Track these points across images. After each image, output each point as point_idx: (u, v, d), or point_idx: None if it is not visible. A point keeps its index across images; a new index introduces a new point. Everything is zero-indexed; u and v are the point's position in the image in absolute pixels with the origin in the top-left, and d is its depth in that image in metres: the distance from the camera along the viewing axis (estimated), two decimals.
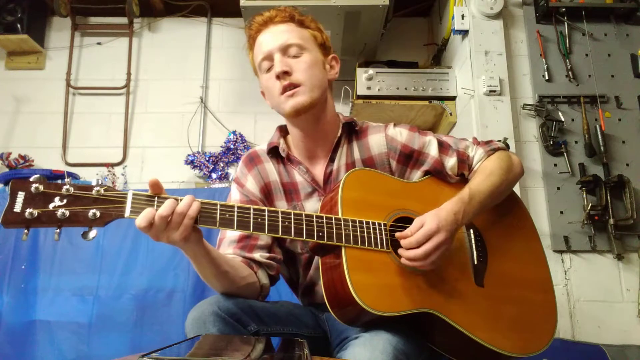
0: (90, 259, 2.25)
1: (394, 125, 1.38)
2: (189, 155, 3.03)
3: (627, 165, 2.33)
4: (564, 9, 2.49)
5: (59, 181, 0.96)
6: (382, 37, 3.07)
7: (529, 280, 1.29)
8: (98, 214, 0.93)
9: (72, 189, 0.93)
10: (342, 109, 2.83)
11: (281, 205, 1.35)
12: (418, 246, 1.08)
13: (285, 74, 1.25)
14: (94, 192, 0.94)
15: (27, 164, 2.98)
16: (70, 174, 2.67)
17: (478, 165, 1.35)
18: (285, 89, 1.26)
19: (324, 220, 1.11)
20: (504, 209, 1.35)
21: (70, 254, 2.26)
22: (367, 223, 1.14)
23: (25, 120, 3.21)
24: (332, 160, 1.35)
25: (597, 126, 2.35)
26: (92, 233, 0.93)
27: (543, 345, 1.21)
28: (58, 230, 0.91)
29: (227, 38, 3.40)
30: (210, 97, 3.28)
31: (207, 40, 3.38)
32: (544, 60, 2.46)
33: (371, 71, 2.69)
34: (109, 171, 2.91)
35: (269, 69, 1.30)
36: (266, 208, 1.09)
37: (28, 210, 0.89)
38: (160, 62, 3.35)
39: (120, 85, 3.26)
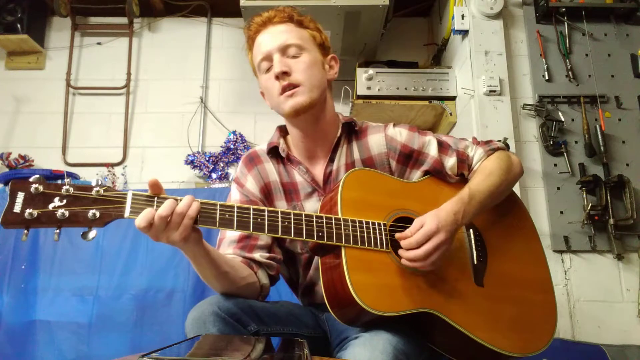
0: (90, 259, 2.25)
1: (394, 125, 1.38)
2: (189, 155, 3.03)
3: (627, 165, 2.33)
4: (564, 9, 2.49)
5: (59, 181, 0.96)
6: (382, 37, 3.07)
7: (528, 280, 1.29)
8: (98, 214, 0.93)
9: (71, 190, 0.93)
10: (342, 109, 2.83)
11: (281, 205, 1.35)
12: (418, 247, 1.08)
13: (285, 74, 1.25)
14: (93, 192, 0.94)
15: (27, 164, 2.98)
16: (70, 174, 2.67)
17: (478, 165, 1.35)
18: (284, 89, 1.26)
19: (324, 220, 1.11)
20: (503, 209, 1.35)
21: (70, 254, 2.26)
22: (367, 223, 1.14)
23: (25, 120, 3.21)
24: (331, 160, 1.35)
25: (597, 126, 2.35)
26: (92, 233, 0.93)
27: (543, 345, 1.21)
28: (58, 231, 0.91)
29: (227, 38, 3.40)
30: (210, 97, 3.28)
31: (207, 40, 3.38)
32: (544, 60, 2.46)
33: (371, 71, 2.69)
34: (109, 171, 2.91)
35: (268, 70, 1.30)
36: (266, 208, 1.09)
37: (28, 211, 0.89)
38: (160, 62, 3.35)
39: (120, 85, 3.26)
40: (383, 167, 1.34)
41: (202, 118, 3.21)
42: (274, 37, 1.30)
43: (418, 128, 1.39)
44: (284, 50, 1.28)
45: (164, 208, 0.97)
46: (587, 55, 2.48)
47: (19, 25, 3.11)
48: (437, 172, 1.33)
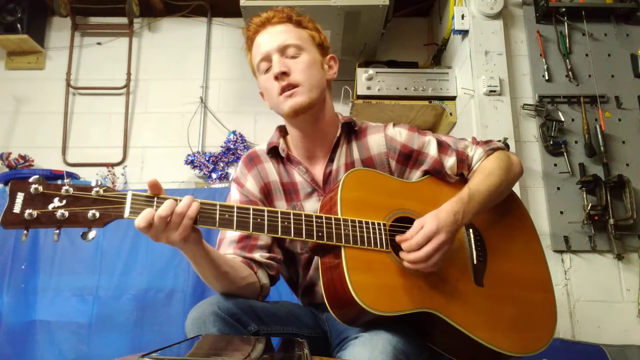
0: (90, 259, 2.25)
1: (393, 125, 1.38)
2: (189, 155, 3.03)
3: (627, 165, 2.33)
4: (564, 9, 2.49)
5: (59, 182, 0.96)
6: (382, 37, 3.07)
7: (528, 280, 1.29)
8: (97, 214, 0.93)
9: (71, 190, 0.93)
10: (342, 109, 2.83)
11: (281, 205, 1.35)
12: (419, 248, 1.08)
13: (284, 74, 1.25)
14: (93, 192, 0.94)
15: (27, 164, 2.98)
16: (70, 174, 2.68)
17: (477, 164, 1.35)
18: (283, 90, 1.26)
19: (324, 220, 1.11)
20: (503, 209, 1.35)
21: (70, 254, 2.26)
22: (367, 223, 1.14)
23: (25, 120, 3.21)
24: (331, 160, 1.35)
25: (597, 126, 2.35)
26: (92, 234, 0.93)
27: (543, 345, 1.21)
28: (57, 231, 0.91)
29: (227, 38, 3.40)
30: (210, 97, 3.28)
31: (207, 40, 3.38)
32: (544, 60, 2.46)
33: (371, 71, 2.69)
34: (109, 171, 2.91)
35: (267, 70, 1.30)
36: (265, 208, 1.09)
37: (27, 211, 0.89)
38: (160, 62, 3.35)
39: (120, 85, 3.26)
40: (383, 167, 1.34)
41: (202, 118, 3.21)
42: (272, 37, 1.30)
43: (418, 128, 1.39)
44: (282, 50, 1.28)
45: (164, 208, 0.97)
46: (587, 55, 2.48)
47: (19, 25, 3.11)
48: (436, 172, 1.33)
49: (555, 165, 2.34)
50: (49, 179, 2.46)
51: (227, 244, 1.28)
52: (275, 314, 1.23)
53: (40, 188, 0.91)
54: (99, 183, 0.96)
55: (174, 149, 3.14)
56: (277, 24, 1.31)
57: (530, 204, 2.28)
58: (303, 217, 1.10)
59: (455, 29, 2.57)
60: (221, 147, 3.09)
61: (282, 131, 1.43)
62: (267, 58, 1.29)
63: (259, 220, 1.06)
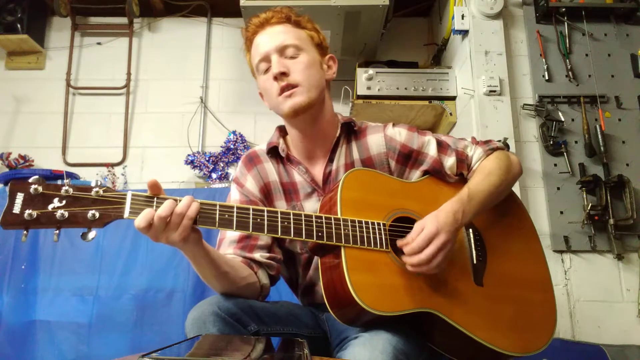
0: (90, 259, 2.25)
1: (393, 125, 1.38)
2: (189, 155, 3.04)
3: (627, 165, 2.33)
4: (564, 9, 2.49)
5: (59, 182, 0.96)
6: (382, 37, 3.07)
7: (528, 280, 1.29)
8: (97, 214, 0.93)
9: (71, 190, 0.93)
10: (342, 109, 2.83)
11: (280, 205, 1.35)
12: (420, 251, 1.08)
13: (283, 74, 1.25)
14: (92, 193, 0.94)
15: (27, 164, 2.98)
16: (70, 174, 2.68)
17: (477, 164, 1.35)
18: (283, 90, 1.26)
19: (323, 220, 1.11)
20: (503, 209, 1.35)
21: (70, 254, 2.26)
22: (367, 223, 1.14)
23: (25, 120, 3.21)
24: (331, 160, 1.35)
25: (597, 126, 2.35)
26: (92, 234, 0.93)
27: (542, 345, 1.21)
28: (57, 231, 0.91)
29: (227, 38, 3.40)
30: (210, 97, 3.28)
31: (207, 40, 3.38)
32: (544, 60, 2.46)
33: (371, 71, 2.69)
34: (109, 171, 2.91)
35: (266, 70, 1.30)
36: (265, 208, 1.09)
37: (27, 212, 0.88)
38: (160, 62, 3.35)
39: (120, 85, 3.26)
40: (382, 167, 1.34)
41: (202, 118, 3.21)
42: (271, 38, 1.30)
43: (417, 128, 1.39)
44: (281, 50, 1.28)
45: (164, 208, 0.97)
46: (587, 55, 2.48)
47: (19, 25, 3.11)
48: (436, 172, 1.33)
49: (555, 165, 2.34)
50: (49, 179, 2.47)
51: (227, 244, 1.28)
52: (275, 314, 1.23)
53: (40, 188, 0.91)
54: (99, 183, 0.96)
55: (174, 149, 3.14)
56: (275, 24, 1.31)
57: (530, 204, 2.28)
58: (303, 217, 1.10)
59: (455, 29, 2.57)
60: (221, 147, 3.09)
61: (282, 131, 1.43)
62: (266, 58, 1.29)
63: (258, 220, 1.06)
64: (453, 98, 2.71)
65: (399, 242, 1.12)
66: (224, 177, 2.98)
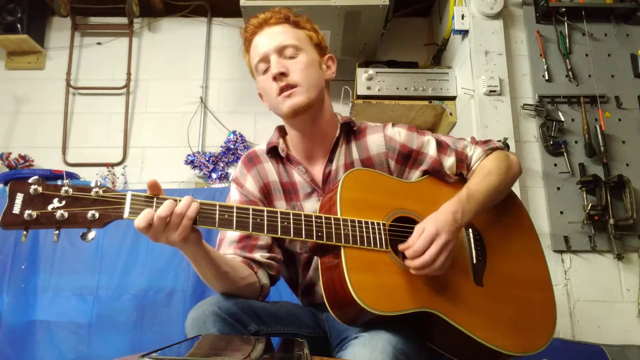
0: (90, 259, 2.25)
1: (393, 125, 1.38)
2: (189, 155, 3.04)
3: (627, 165, 2.33)
4: (564, 9, 2.49)
5: (59, 182, 0.96)
6: (382, 37, 3.07)
7: (528, 279, 1.29)
8: (97, 215, 0.93)
9: (70, 190, 0.93)
10: (342, 109, 2.83)
11: (280, 205, 1.35)
12: (422, 253, 1.08)
13: (282, 75, 1.25)
14: (92, 193, 0.94)
15: (27, 164, 2.98)
16: (70, 174, 2.68)
17: (477, 164, 1.35)
18: (282, 90, 1.26)
19: (323, 220, 1.11)
20: (502, 208, 1.35)
21: (70, 254, 2.26)
22: (366, 223, 1.14)
23: (25, 120, 3.21)
24: (330, 160, 1.35)
25: (597, 126, 2.35)
26: (91, 234, 0.93)
27: (542, 344, 1.21)
28: (57, 232, 0.91)
29: (227, 38, 3.40)
30: (210, 97, 3.28)
31: (207, 40, 3.38)
32: (544, 60, 2.46)
33: (371, 71, 2.69)
34: (109, 171, 2.91)
35: (265, 71, 1.30)
36: (265, 208, 1.09)
37: (27, 212, 0.88)
38: (160, 62, 3.35)
39: (120, 85, 3.26)
40: (382, 167, 1.34)
41: (202, 118, 3.21)
42: (270, 38, 1.30)
43: (417, 128, 1.39)
44: (280, 51, 1.28)
45: (163, 209, 0.97)
46: (587, 55, 2.48)
47: (19, 25, 3.11)
48: (436, 172, 1.33)
49: (555, 165, 2.34)
50: (49, 179, 2.47)
51: (227, 244, 1.28)
52: (275, 314, 1.23)
53: (40, 189, 0.91)
54: (99, 183, 0.96)
55: (174, 149, 3.14)
56: (274, 24, 1.31)
57: (530, 204, 2.28)
58: (302, 217, 1.10)
59: (455, 29, 2.57)
60: (221, 147, 3.09)
61: (282, 131, 1.43)
62: (265, 59, 1.29)
63: (258, 220, 1.06)
64: (453, 98, 2.71)
65: (401, 247, 1.12)
66: (224, 177, 2.98)
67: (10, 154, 2.97)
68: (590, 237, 2.23)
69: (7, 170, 2.91)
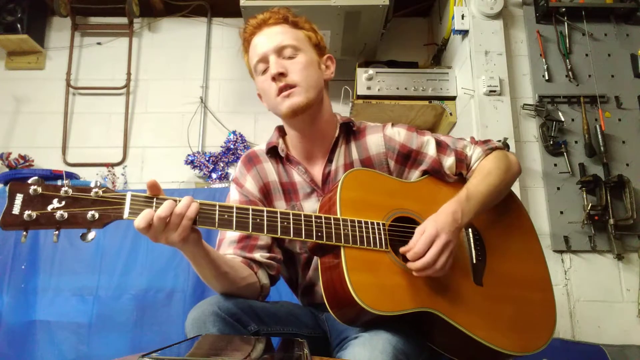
0: (90, 259, 2.25)
1: (392, 125, 1.38)
2: (189, 155, 3.04)
3: (627, 165, 2.33)
4: (564, 9, 2.49)
5: (58, 182, 0.96)
6: (382, 37, 3.07)
7: (527, 279, 1.30)
8: (97, 215, 0.93)
9: (70, 191, 0.93)
10: (342, 109, 2.83)
11: (280, 205, 1.35)
12: (423, 254, 1.08)
13: (281, 75, 1.25)
14: (92, 193, 0.94)
15: (27, 164, 2.98)
16: (69, 175, 2.67)
17: (476, 164, 1.35)
18: (281, 90, 1.26)
19: (323, 221, 1.11)
20: (502, 208, 1.35)
21: (70, 254, 2.26)
22: (366, 223, 1.14)
23: (25, 120, 3.21)
24: (330, 160, 1.35)
25: (597, 126, 2.35)
26: (91, 235, 0.93)
27: (542, 344, 1.21)
28: (57, 232, 0.91)
29: (227, 38, 3.40)
30: (210, 97, 3.28)
31: (207, 40, 3.38)
32: (544, 60, 2.46)
33: (371, 71, 2.69)
34: (109, 171, 2.91)
35: (264, 71, 1.30)
36: (265, 208, 1.08)
37: (26, 213, 0.88)
38: (160, 62, 3.35)
39: (120, 85, 3.27)
40: (381, 167, 1.34)
41: (202, 118, 3.21)
42: (269, 38, 1.30)
43: (416, 128, 1.39)
44: (279, 51, 1.28)
45: (163, 209, 0.97)
46: (587, 55, 2.48)
47: (19, 25, 3.11)
48: (435, 172, 1.33)
49: (555, 165, 2.34)
50: (49, 179, 2.47)
51: (227, 244, 1.28)
52: (275, 314, 1.23)
53: (39, 189, 0.91)
54: (98, 184, 0.96)
55: (174, 149, 3.14)
56: (273, 25, 1.31)
57: (530, 204, 2.28)
58: (302, 217, 1.10)
59: (455, 29, 2.57)
60: (221, 147, 3.09)
61: (281, 131, 1.43)
62: (264, 59, 1.29)
63: (258, 220, 1.06)
64: (453, 98, 2.71)
65: (402, 250, 1.12)
66: (224, 177, 2.98)
67: (10, 154, 2.97)
68: (590, 237, 2.23)
69: (7, 170, 2.91)
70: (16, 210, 0.89)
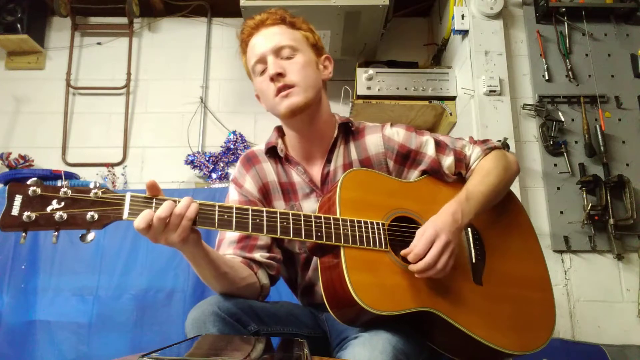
0: (90, 259, 2.25)
1: (391, 125, 1.38)
2: (189, 155, 3.04)
3: (627, 165, 2.33)
4: (564, 9, 2.49)
5: (58, 182, 0.96)
6: (382, 37, 3.07)
7: (527, 278, 1.30)
8: (96, 216, 0.93)
9: (69, 192, 0.92)
10: (342, 109, 2.83)
11: (279, 205, 1.35)
12: (424, 255, 1.08)
13: (279, 75, 1.26)
14: (91, 194, 0.94)
15: (27, 164, 2.98)
16: (69, 175, 2.67)
17: (475, 164, 1.35)
18: (279, 91, 1.26)
19: (322, 221, 1.11)
20: (501, 208, 1.35)
21: (70, 254, 2.26)
22: (366, 223, 1.14)
23: (25, 120, 3.21)
24: (328, 161, 1.35)
25: (597, 126, 2.35)
26: (90, 236, 0.93)
27: (542, 343, 1.21)
28: (56, 233, 0.91)
29: (227, 38, 3.40)
30: (210, 97, 3.28)
31: (207, 40, 3.38)
32: (544, 60, 2.46)
33: (371, 71, 2.69)
34: (109, 171, 2.91)
35: (262, 72, 1.30)
36: (264, 209, 1.08)
37: (26, 214, 0.88)
38: (160, 62, 3.35)
39: (120, 85, 3.26)
40: (380, 167, 1.34)
41: (202, 118, 3.21)
42: (267, 39, 1.30)
43: (415, 128, 1.39)
44: (277, 52, 1.28)
45: (163, 209, 0.97)
46: (587, 55, 2.48)
47: (19, 25, 3.11)
48: (434, 172, 1.33)
49: (555, 165, 2.34)
50: (49, 179, 2.47)
51: (226, 244, 1.28)
52: (275, 314, 1.23)
53: (39, 190, 0.91)
54: (97, 184, 0.95)
55: (174, 149, 3.14)
56: (270, 25, 1.32)
57: (530, 204, 2.28)
58: (302, 218, 1.10)
59: (455, 29, 2.57)
60: (221, 147, 3.09)
61: (280, 131, 1.42)
62: (262, 60, 1.29)
63: (257, 220, 1.06)
64: (453, 98, 2.71)
65: (403, 252, 1.12)
66: (224, 177, 2.99)
67: (10, 154, 2.97)
68: (590, 237, 2.23)
69: (7, 170, 2.91)
70: (15, 211, 0.89)
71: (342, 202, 1.15)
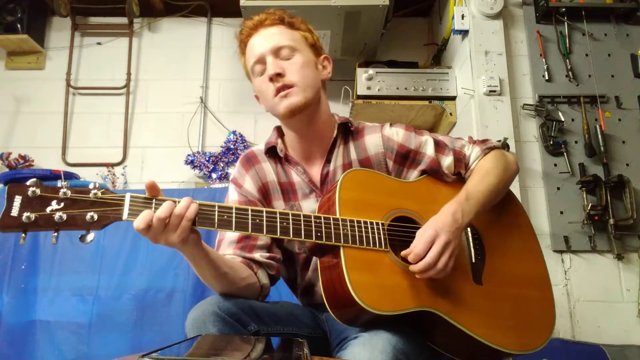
0: (90, 259, 2.25)
1: (390, 125, 1.39)
2: (189, 155, 3.04)
3: (627, 165, 2.33)
4: (564, 9, 2.49)
5: (58, 182, 0.96)
6: (382, 37, 3.07)
7: (526, 278, 1.30)
8: (96, 217, 0.93)
9: (69, 192, 0.92)
10: (342, 109, 2.83)
11: (279, 205, 1.35)
12: (424, 256, 1.08)
13: (278, 75, 1.26)
14: (91, 195, 0.94)
15: (27, 164, 2.98)
16: (68, 175, 2.67)
17: (475, 163, 1.35)
18: (279, 91, 1.26)
19: (322, 221, 1.11)
20: (500, 208, 1.35)
21: (71, 254, 2.26)
22: (365, 223, 1.14)
23: (25, 120, 3.21)
24: (328, 161, 1.35)
25: (597, 126, 2.35)
26: (90, 236, 0.93)
27: (541, 343, 1.21)
28: (56, 234, 0.91)
29: (227, 38, 3.40)
30: (210, 97, 3.28)
31: (207, 40, 3.38)
32: (544, 60, 2.46)
33: (371, 71, 2.69)
34: (109, 171, 2.92)
35: (261, 72, 1.30)
36: (264, 209, 1.09)
37: (25, 214, 0.88)
38: (160, 62, 3.35)
39: (120, 85, 3.26)
40: (380, 167, 1.34)
41: (202, 118, 3.21)
42: (266, 39, 1.30)
43: (415, 128, 1.39)
44: (276, 52, 1.28)
45: (162, 210, 0.96)
46: (587, 55, 2.48)
47: (19, 25, 3.11)
48: (434, 172, 1.34)
49: (555, 165, 2.34)
50: (49, 179, 2.47)
51: (226, 244, 1.28)
52: (275, 314, 1.23)
53: (38, 191, 0.90)
54: (97, 185, 0.95)
55: (174, 149, 3.14)
56: (269, 26, 1.32)
57: (530, 204, 2.28)
58: (302, 218, 1.10)
59: (455, 29, 2.57)
60: (221, 147, 3.09)
61: (280, 131, 1.43)
62: (261, 60, 1.29)
63: (257, 221, 1.06)
64: (453, 98, 2.71)
65: (403, 253, 1.12)
66: (224, 177, 2.99)
67: (10, 154, 2.97)
68: (590, 237, 2.23)
69: (7, 170, 2.91)
70: (15, 212, 0.88)
71: (341, 202, 1.15)
